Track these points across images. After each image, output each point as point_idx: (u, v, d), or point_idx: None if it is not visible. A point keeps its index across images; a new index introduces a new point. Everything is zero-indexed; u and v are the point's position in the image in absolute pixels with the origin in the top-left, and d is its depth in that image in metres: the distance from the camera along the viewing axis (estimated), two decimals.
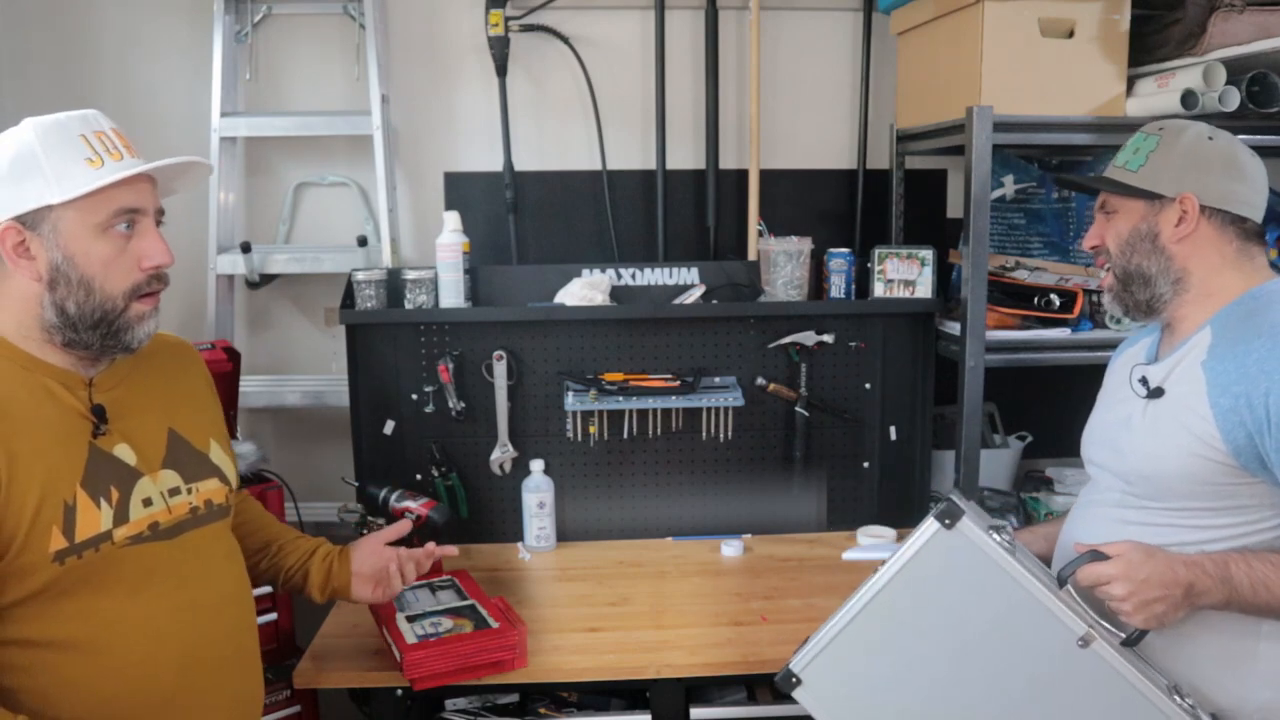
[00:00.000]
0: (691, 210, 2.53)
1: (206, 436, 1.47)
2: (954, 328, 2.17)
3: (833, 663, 1.38)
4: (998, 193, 2.24)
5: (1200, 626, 1.34)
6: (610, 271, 2.33)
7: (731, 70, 2.49)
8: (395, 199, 2.42)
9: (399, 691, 1.73)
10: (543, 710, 1.89)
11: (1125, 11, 2.01)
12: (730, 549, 2.26)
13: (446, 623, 1.77)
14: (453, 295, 2.23)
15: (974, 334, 2.03)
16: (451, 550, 1.79)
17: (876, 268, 2.28)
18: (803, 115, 2.52)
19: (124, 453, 1.33)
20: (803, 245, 2.31)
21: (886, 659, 1.37)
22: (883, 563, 1.38)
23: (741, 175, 2.47)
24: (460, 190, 2.49)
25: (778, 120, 2.51)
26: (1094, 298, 2.17)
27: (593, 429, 2.30)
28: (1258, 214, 1.43)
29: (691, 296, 2.30)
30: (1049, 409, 2.39)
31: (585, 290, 2.26)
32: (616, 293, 2.32)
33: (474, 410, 2.31)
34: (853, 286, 2.31)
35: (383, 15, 2.38)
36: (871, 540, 2.27)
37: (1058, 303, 2.14)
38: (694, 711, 1.82)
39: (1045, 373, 2.20)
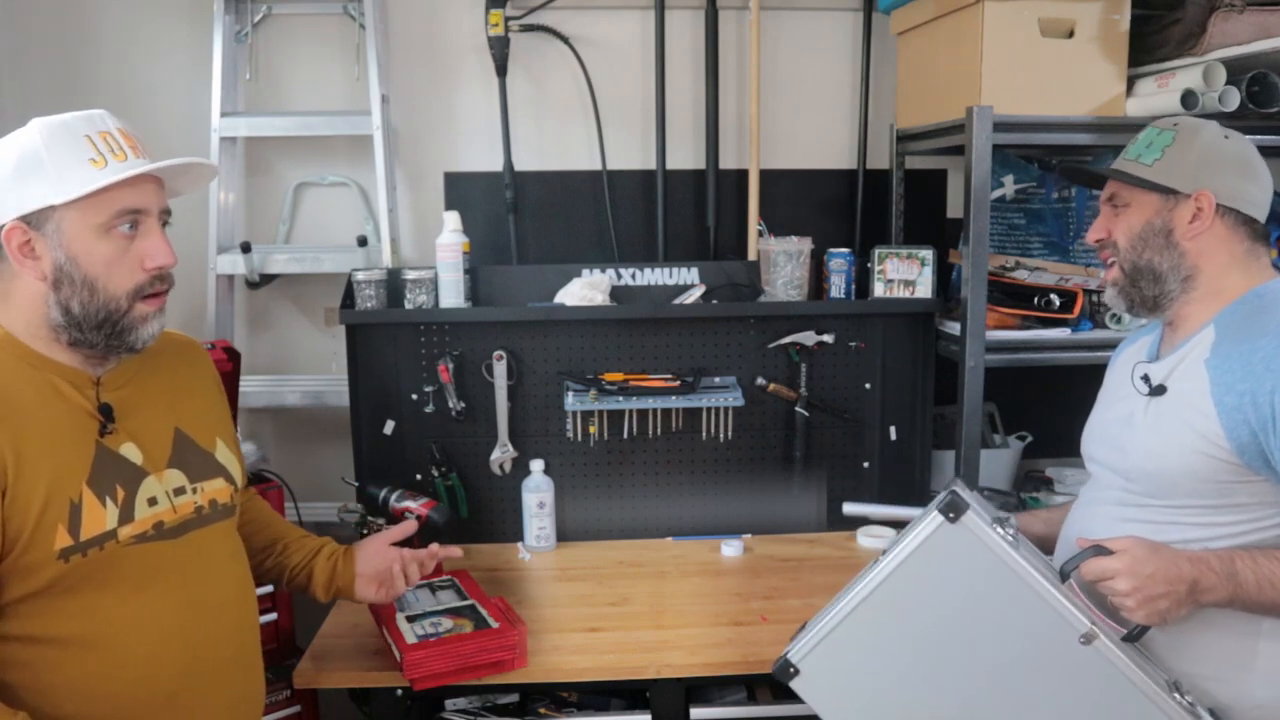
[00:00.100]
0: (691, 210, 2.53)
1: (213, 436, 1.47)
2: (954, 328, 2.17)
3: (831, 654, 1.38)
4: (998, 193, 2.25)
5: (1201, 625, 1.34)
6: (610, 271, 2.33)
7: (731, 70, 2.49)
8: (395, 199, 2.42)
9: (399, 691, 1.73)
10: (543, 710, 1.89)
11: (1125, 11, 2.02)
12: (730, 549, 2.26)
13: (446, 623, 1.77)
14: (453, 295, 2.23)
15: (974, 334, 2.03)
16: (456, 551, 1.78)
17: (876, 268, 2.28)
18: (803, 115, 2.53)
19: (130, 452, 1.33)
20: (803, 245, 2.31)
21: (886, 651, 1.37)
22: (884, 552, 1.38)
23: (741, 175, 2.47)
24: (460, 190, 2.49)
25: (778, 120, 2.51)
26: (1094, 298, 2.17)
27: (593, 429, 2.30)
28: (1264, 215, 1.44)
29: (691, 296, 2.30)
30: (1049, 409, 2.38)
31: (585, 290, 2.26)
32: (616, 293, 2.32)
33: (474, 410, 2.30)
34: (853, 286, 2.31)
35: (383, 15, 2.38)
36: (872, 541, 2.28)
37: (1058, 303, 2.15)
38: (694, 711, 1.82)
39: (1045, 373, 2.19)
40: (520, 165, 2.47)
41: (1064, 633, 1.30)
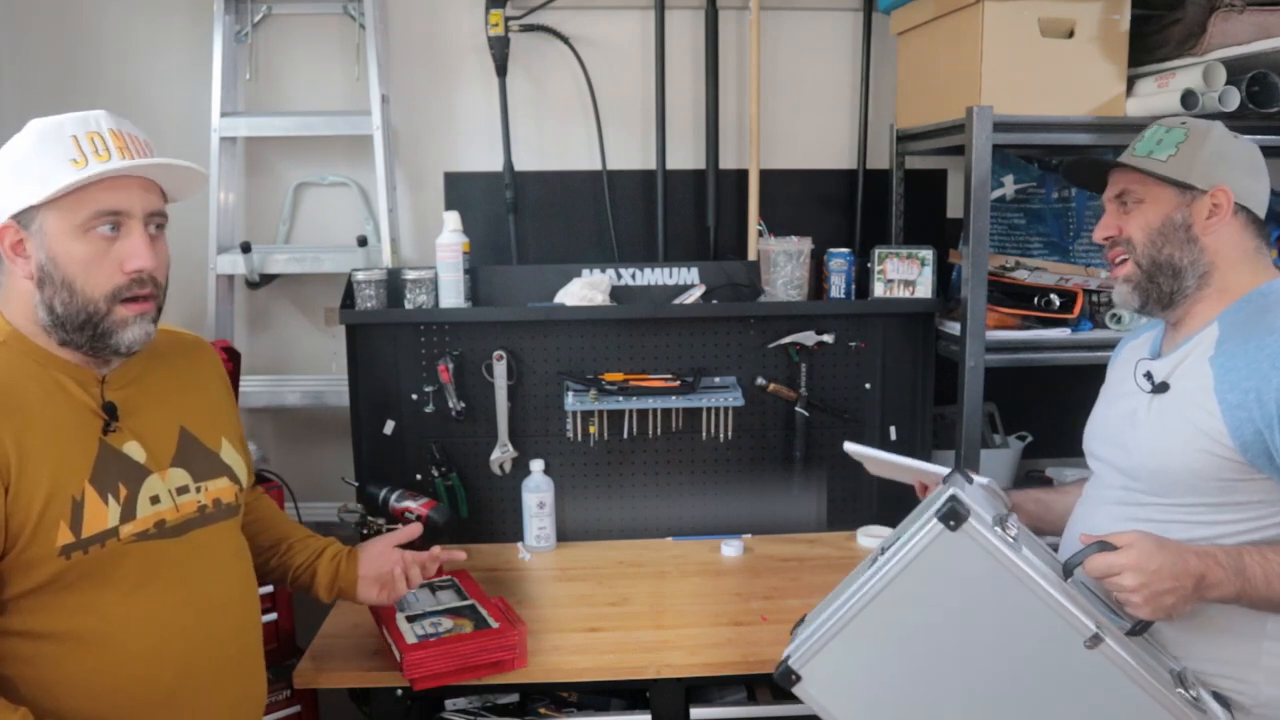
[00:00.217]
0: (691, 210, 2.53)
1: (219, 435, 1.47)
2: (954, 328, 2.17)
3: (833, 660, 1.37)
4: (998, 193, 2.25)
5: (1205, 626, 1.34)
6: (610, 271, 2.33)
7: (731, 70, 2.49)
8: (395, 199, 2.42)
9: (399, 691, 1.73)
10: (543, 710, 1.88)
11: (1125, 11, 2.02)
12: (730, 549, 2.26)
13: (446, 623, 1.77)
14: (453, 295, 2.23)
15: (974, 334, 2.03)
16: (459, 555, 1.78)
17: (876, 268, 2.28)
18: (803, 115, 2.53)
19: (133, 450, 1.33)
20: (803, 245, 2.31)
21: (888, 657, 1.36)
22: (882, 550, 1.38)
23: (741, 175, 2.47)
24: (460, 190, 2.49)
25: (778, 120, 2.51)
26: (1094, 298, 2.17)
27: (593, 429, 2.30)
28: (1264, 214, 1.45)
29: (691, 296, 2.30)
30: (1049, 409, 2.39)
31: (585, 290, 2.26)
32: (616, 293, 2.32)
33: (474, 410, 2.30)
34: (853, 286, 2.31)
35: (383, 15, 2.38)
36: (872, 541, 2.27)
37: (1058, 303, 2.15)
38: (694, 711, 1.82)
39: (1045, 373, 2.19)
40: (520, 165, 2.47)
41: (1068, 637, 1.29)
